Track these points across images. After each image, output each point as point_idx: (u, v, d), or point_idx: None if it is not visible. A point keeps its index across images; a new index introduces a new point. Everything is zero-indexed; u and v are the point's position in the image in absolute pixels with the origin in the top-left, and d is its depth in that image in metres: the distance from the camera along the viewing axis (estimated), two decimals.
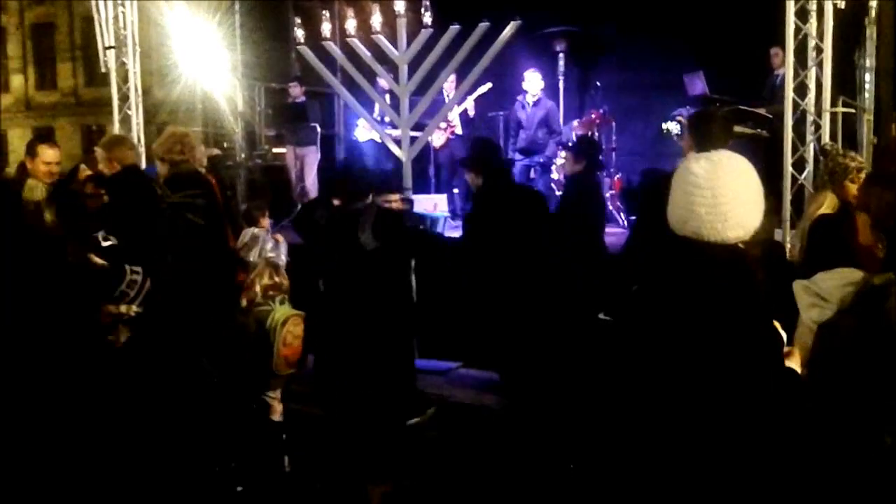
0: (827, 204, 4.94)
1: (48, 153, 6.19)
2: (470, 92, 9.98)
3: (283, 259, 7.20)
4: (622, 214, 9.79)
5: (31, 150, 6.30)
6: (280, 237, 7.55)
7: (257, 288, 5.47)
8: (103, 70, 10.25)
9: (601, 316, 5.62)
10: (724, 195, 2.35)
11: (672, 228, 2.45)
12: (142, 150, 9.97)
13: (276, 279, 5.52)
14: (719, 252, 2.37)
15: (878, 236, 3.09)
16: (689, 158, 2.50)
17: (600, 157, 6.92)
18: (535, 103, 9.95)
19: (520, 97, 10.13)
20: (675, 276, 2.42)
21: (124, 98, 10.17)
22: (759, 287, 2.41)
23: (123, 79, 10.17)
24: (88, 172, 6.26)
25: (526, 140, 9.96)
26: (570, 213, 6.58)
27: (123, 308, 4.62)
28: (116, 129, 10.24)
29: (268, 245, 7.16)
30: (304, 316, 5.39)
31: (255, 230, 7.24)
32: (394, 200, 6.22)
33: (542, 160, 9.88)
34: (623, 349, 2.47)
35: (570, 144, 8.60)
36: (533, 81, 9.97)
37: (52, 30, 30.46)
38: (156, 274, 4.85)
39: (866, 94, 8.39)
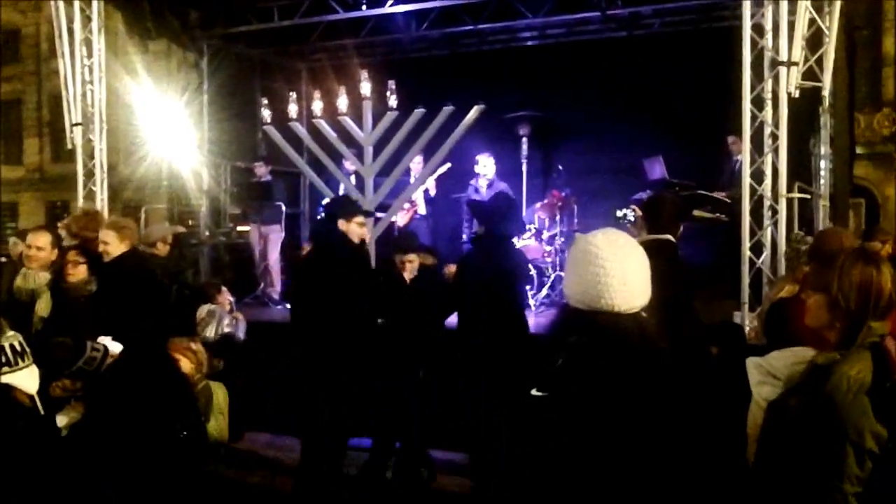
0: (787, 289, 5.00)
1: (27, 237, 6.25)
2: (430, 172, 10.11)
3: (241, 336, 7.21)
4: None
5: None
6: (239, 315, 7.51)
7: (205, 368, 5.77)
8: (70, 146, 10.28)
9: (534, 392, 5.58)
10: (629, 266, 2.58)
11: (578, 303, 2.62)
12: None
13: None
14: (627, 320, 2.58)
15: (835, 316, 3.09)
16: (583, 238, 2.69)
17: (504, 221, 6.34)
18: (489, 186, 10.11)
19: (473, 181, 10.31)
20: (592, 346, 2.56)
21: (89, 174, 10.18)
22: (664, 350, 2.62)
23: (89, 155, 10.20)
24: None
25: None
26: (466, 278, 6.38)
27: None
28: (80, 205, 10.21)
29: (224, 321, 7.13)
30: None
31: (211, 306, 7.20)
32: (410, 261, 6.31)
33: None
34: (554, 422, 2.57)
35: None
36: (486, 165, 10.14)
37: (20, 105, 30.51)
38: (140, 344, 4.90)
39: (822, 181, 8.57)
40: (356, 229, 5.90)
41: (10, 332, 3.86)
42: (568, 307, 2.68)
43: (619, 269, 2.55)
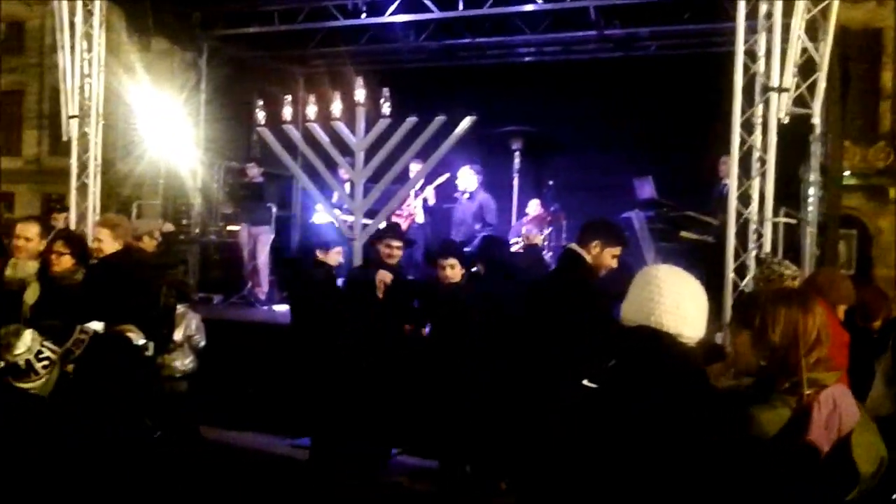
0: None
1: (17, 227, 6.26)
2: (428, 182, 10.17)
3: (202, 342, 7.10)
4: None
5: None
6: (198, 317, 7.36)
7: None
8: (65, 138, 10.30)
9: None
10: (683, 294, 2.76)
11: (628, 322, 2.82)
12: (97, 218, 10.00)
13: None
14: (669, 339, 2.72)
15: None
16: (649, 267, 2.97)
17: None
18: (469, 198, 10.22)
19: (456, 193, 10.44)
20: (643, 354, 2.75)
21: (83, 167, 10.20)
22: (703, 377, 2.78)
23: (84, 149, 10.22)
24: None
25: (463, 234, 10.22)
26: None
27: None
28: (73, 198, 10.25)
29: (193, 324, 7.05)
30: None
31: (182, 307, 7.08)
32: (451, 266, 6.57)
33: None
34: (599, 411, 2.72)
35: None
36: (464, 177, 10.23)
37: (21, 97, 30.53)
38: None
39: (810, 207, 8.61)
40: (334, 257, 7.18)
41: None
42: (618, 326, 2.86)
43: (672, 294, 2.74)
